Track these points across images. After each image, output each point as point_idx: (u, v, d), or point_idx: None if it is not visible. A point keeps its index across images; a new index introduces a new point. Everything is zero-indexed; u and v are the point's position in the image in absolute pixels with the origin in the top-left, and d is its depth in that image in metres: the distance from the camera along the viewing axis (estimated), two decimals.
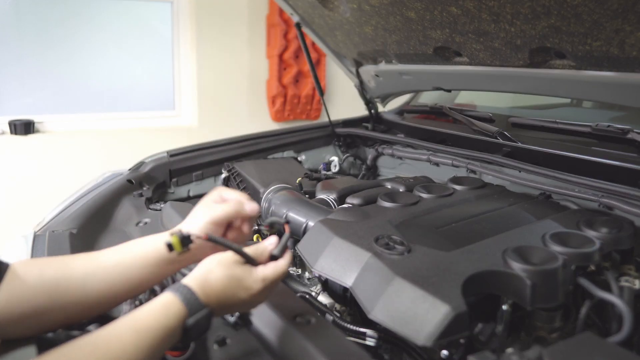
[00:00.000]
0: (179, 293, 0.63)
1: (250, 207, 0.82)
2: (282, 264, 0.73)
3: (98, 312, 0.75)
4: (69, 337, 0.69)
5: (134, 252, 0.76)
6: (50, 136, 3.18)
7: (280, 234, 0.79)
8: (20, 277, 0.68)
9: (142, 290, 0.77)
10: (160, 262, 0.75)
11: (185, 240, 0.67)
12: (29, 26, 3.09)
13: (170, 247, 0.66)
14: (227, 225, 0.82)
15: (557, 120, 1.37)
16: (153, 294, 0.80)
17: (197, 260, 0.73)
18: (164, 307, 0.62)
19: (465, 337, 0.74)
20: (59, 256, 0.76)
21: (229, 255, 0.70)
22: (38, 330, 0.71)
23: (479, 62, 1.39)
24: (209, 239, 0.69)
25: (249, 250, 0.72)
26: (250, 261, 0.71)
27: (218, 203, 0.82)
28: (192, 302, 0.63)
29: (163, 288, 0.80)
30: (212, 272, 0.67)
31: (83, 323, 0.75)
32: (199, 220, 0.78)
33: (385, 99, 2.08)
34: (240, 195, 0.84)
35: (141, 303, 0.81)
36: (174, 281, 0.83)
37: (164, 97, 3.63)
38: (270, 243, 0.75)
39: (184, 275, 0.88)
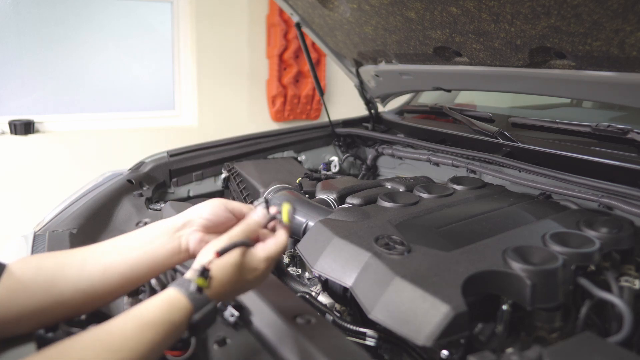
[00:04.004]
0: (184, 289, 0.62)
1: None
2: (281, 238, 0.74)
3: (96, 303, 0.73)
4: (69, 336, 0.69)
5: (133, 237, 0.76)
6: (50, 136, 3.18)
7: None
8: (17, 277, 0.68)
9: (142, 281, 0.75)
10: (159, 248, 0.75)
11: (205, 273, 0.65)
12: (29, 26, 3.09)
13: (200, 289, 0.64)
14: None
15: (557, 120, 1.37)
16: (153, 292, 0.80)
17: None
18: (168, 303, 0.60)
19: (465, 337, 0.74)
20: (57, 251, 0.75)
21: (224, 245, 0.68)
22: (37, 327, 0.71)
23: (479, 62, 1.39)
24: (220, 253, 0.68)
25: (241, 234, 0.71)
26: (248, 245, 0.70)
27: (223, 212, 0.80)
28: (197, 297, 0.62)
29: (164, 287, 0.80)
30: (214, 264, 0.66)
31: (84, 322, 0.75)
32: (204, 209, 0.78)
33: (385, 99, 2.08)
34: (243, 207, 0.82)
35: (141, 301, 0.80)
36: (173, 277, 0.83)
37: (164, 97, 3.63)
38: (258, 215, 0.76)
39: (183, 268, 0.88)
